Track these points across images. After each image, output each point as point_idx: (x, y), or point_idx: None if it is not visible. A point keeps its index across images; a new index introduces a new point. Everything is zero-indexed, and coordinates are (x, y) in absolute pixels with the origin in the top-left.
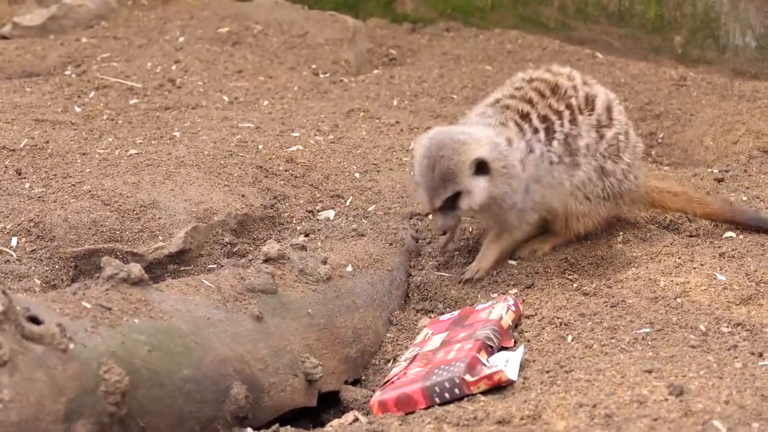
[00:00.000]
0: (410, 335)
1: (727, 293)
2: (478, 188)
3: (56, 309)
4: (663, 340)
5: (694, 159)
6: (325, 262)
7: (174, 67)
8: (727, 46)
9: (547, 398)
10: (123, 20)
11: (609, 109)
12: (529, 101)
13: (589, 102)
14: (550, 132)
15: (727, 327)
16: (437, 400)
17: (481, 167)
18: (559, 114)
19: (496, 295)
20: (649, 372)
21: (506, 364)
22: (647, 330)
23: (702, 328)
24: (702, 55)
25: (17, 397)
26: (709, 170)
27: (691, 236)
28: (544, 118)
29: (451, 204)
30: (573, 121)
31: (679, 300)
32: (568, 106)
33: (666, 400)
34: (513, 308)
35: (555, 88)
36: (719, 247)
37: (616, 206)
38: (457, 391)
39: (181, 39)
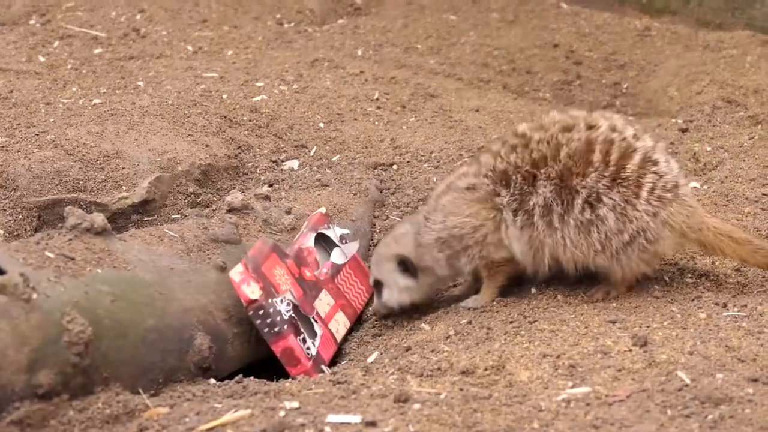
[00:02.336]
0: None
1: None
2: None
3: (19, 259)
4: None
5: (659, 109)
6: (289, 212)
7: (138, 17)
8: None
9: (510, 349)
10: None
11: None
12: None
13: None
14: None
15: (691, 278)
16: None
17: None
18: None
19: None
20: (613, 323)
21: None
22: None
23: (666, 278)
24: (666, 5)
25: None
26: (674, 120)
27: None
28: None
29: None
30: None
31: None
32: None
33: (630, 350)
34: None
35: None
36: None
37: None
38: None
39: None
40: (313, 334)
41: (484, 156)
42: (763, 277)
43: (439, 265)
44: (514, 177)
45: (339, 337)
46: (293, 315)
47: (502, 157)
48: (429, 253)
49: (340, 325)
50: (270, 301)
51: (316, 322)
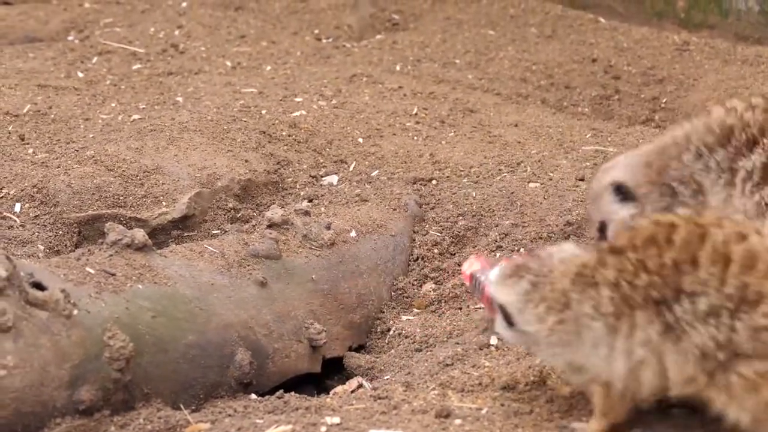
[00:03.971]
0: (413, 301)
1: None
2: None
3: (60, 275)
4: None
5: None
6: (328, 228)
7: (177, 33)
8: (730, 11)
9: (552, 364)
10: None
11: None
12: None
13: None
14: None
15: None
16: None
17: None
18: None
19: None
20: None
21: None
22: None
23: None
24: (705, 19)
25: (21, 363)
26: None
27: None
28: None
29: None
30: None
31: None
32: None
33: None
34: None
35: None
36: None
37: None
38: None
39: (184, 4)
40: None
41: None
42: None
43: None
44: None
45: None
46: None
47: None
48: None
49: None
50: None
51: None
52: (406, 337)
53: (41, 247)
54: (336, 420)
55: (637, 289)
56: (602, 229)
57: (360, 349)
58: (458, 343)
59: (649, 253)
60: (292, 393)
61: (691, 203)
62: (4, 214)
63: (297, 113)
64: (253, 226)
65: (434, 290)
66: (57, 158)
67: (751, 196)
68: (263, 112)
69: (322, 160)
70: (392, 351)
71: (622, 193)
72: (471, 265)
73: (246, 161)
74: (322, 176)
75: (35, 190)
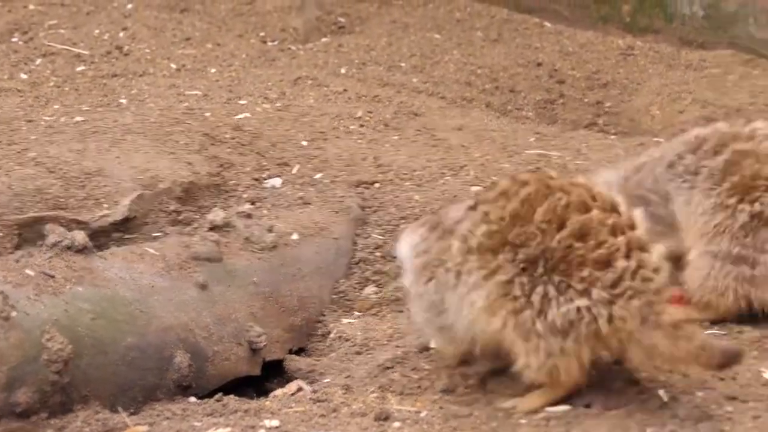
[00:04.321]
0: (355, 304)
1: None
2: None
3: None
4: None
5: (641, 128)
6: (270, 231)
7: (121, 34)
8: (675, 15)
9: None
10: None
11: None
12: None
13: None
14: None
15: None
16: None
17: None
18: None
19: None
20: None
21: None
22: None
23: None
24: (650, 24)
25: None
26: (656, 139)
27: None
28: None
29: None
30: None
31: None
32: None
33: (610, 369)
34: None
35: None
36: None
37: None
38: None
39: (129, 6)
40: None
41: None
42: None
43: None
44: None
45: None
46: None
47: None
48: None
49: None
50: None
51: None
52: (347, 340)
53: None
54: (275, 423)
55: (476, 238)
56: None
57: (300, 352)
58: (399, 346)
59: (496, 205)
60: (232, 396)
61: (663, 212)
62: None
63: (241, 116)
64: (195, 228)
65: (376, 293)
66: None
67: (708, 197)
68: (207, 114)
69: (265, 163)
70: (333, 354)
71: None
72: None
73: (189, 163)
74: (265, 179)
75: None
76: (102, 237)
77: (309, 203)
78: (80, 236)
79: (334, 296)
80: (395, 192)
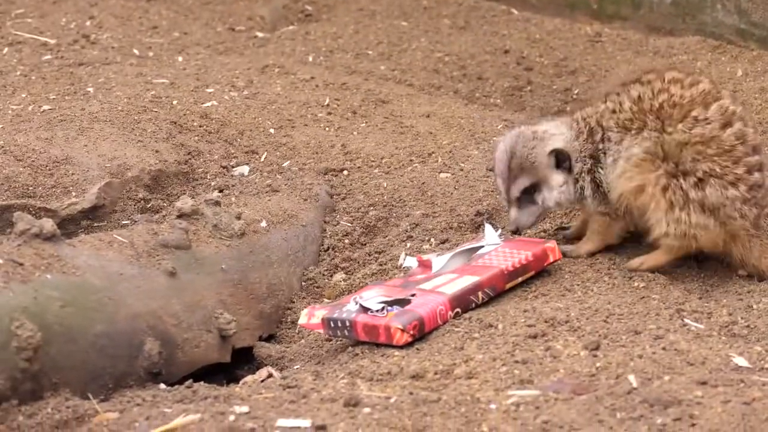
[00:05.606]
0: (324, 291)
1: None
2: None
3: None
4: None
5: None
6: (239, 218)
7: (88, 23)
8: (642, 2)
9: (462, 353)
10: None
11: None
12: None
13: None
14: None
15: (642, 281)
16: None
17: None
18: None
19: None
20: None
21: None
22: None
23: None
24: (617, 11)
25: None
26: None
27: None
28: None
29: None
30: None
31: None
32: None
33: (579, 354)
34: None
35: None
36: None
37: None
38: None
39: None
40: (405, 303)
41: None
42: (715, 284)
43: None
44: None
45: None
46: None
47: None
48: None
49: (464, 281)
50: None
51: (413, 295)
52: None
53: None
54: (245, 409)
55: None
56: (520, 200)
57: (270, 338)
58: None
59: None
60: (201, 383)
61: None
62: None
63: (208, 104)
64: (163, 216)
65: (345, 280)
66: None
67: (614, 166)
68: (174, 102)
69: (233, 151)
70: (302, 341)
71: (564, 161)
72: (311, 314)
73: (156, 151)
74: (233, 167)
75: None
76: (70, 225)
77: (277, 191)
78: (48, 224)
79: (304, 283)
80: (363, 179)
